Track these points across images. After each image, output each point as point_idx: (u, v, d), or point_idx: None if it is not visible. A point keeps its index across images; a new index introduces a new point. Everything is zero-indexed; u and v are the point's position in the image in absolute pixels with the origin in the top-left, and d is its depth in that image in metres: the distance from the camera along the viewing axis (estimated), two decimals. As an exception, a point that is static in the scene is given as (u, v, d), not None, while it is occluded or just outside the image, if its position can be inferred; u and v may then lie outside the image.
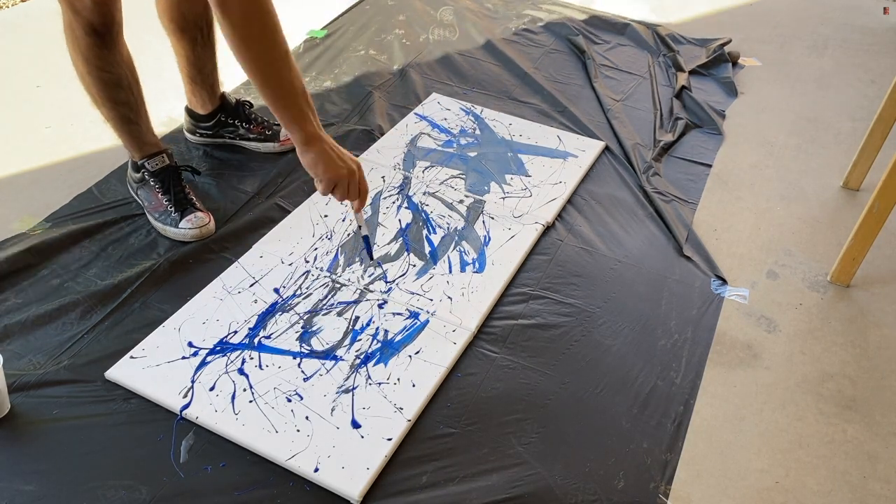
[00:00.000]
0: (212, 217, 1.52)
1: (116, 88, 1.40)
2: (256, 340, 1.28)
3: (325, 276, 1.42)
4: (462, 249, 1.51)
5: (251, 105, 1.79)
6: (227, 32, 1.09)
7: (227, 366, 1.23)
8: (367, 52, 2.21)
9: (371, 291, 1.40)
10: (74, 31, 1.31)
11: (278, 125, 1.78)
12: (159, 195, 1.50)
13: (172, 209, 1.48)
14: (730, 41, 2.37)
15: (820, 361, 1.36)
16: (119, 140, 1.50)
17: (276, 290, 1.38)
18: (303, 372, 1.23)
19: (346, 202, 1.30)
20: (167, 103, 1.95)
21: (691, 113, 2.02)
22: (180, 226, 1.47)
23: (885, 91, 1.66)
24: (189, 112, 1.75)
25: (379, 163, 1.74)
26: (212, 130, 1.76)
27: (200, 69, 1.66)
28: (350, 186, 1.25)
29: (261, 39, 1.11)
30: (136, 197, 1.55)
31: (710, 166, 1.83)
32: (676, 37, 2.39)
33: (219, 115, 1.74)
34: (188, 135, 1.79)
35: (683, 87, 2.09)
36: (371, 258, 1.43)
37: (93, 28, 1.30)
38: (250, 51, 1.11)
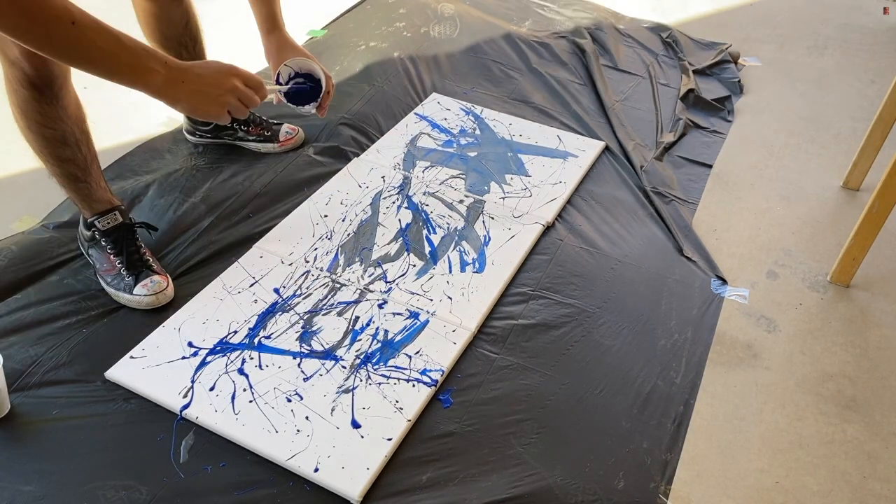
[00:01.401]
0: (169, 280, 1.37)
1: (61, 146, 1.25)
2: (256, 340, 1.28)
3: (325, 276, 1.42)
4: (462, 249, 1.51)
5: None
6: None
7: (227, 366, 1.23)
8: (367, 51, 2.21)
9: (371, 291, 1.40)
10: (11, 83, 1.17)
11: (278, 124, 1.78)
12: (111, 257, 1.35)
13: (126, 272, 1.33)
14: (729, 46, 2.37)
15: (820, 361, 1.36)
16: (71, 199, 1.37)
17: (276, 290, 1.38)
18: (303, 372, 1.23)
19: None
20: (167, 103, 1.94)
21: (699, 114, 2.02)
22: (134, 292, 1.32)
23: (885, 91, 1.66)
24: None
25: (379, 163, 1.74)
26: (211, 133, 1.76)
27: None
28: (242, 100, 1.12)
29: (29, 22, 0.89)
30: (87, 256, 1.41)
31: (710, 166, 1.83)
32: (676, 37, 2.39)
33: None
34: (188, 135, 1.79)
35: (691, 91, 2.08)
36: (302, 105, 1.38)
37: (29, 81, 1.16)
38: (29, 37, 0.91)
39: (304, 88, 1.42)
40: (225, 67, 1.11)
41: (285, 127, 1.79)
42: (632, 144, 1.85)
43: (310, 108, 1.43)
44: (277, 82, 1.42)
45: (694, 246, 1.58)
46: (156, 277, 1.35)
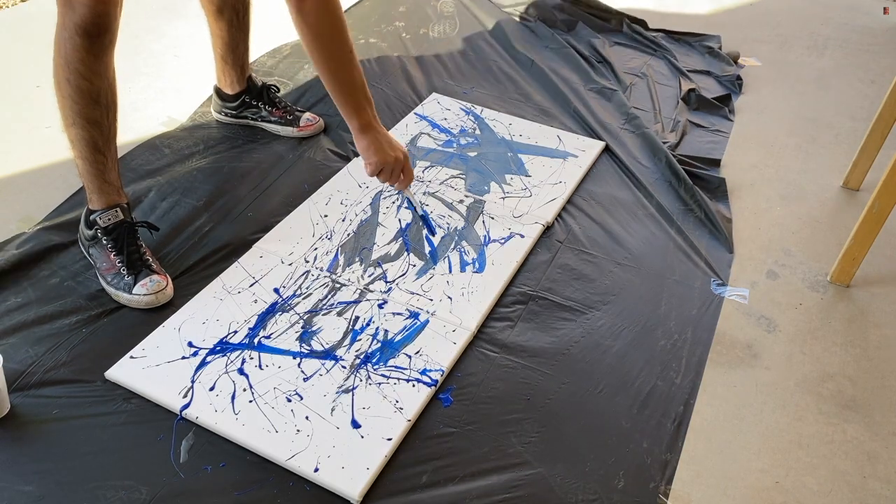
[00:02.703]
0: (169, 280, 1.37)
1: (93, 104, 1.29)
2: (256, 340, 1.28)
3: (325, 276, 1.42)
4: (462, 249, 1.51)
5: (278, 89, 1.87)
6: (304, 32, 1.26)
7: (227, 366, 1.23)
8: (367, 46, 2.21)
9: (371, 291, 1.40)
10: (66, 28, 1.23)
11: (300, 111, 1.85)
12: (112, 255, 1.36)
13: (125, 272, 1.34)
14: (718, 37, 2.37)
15: (820, 361, 1.36)
16: (83, 178, 1.38)
17: (276, 290, 1.38)
18: (303, 372, 1.23)
19: (393, 185, 1.46)
20: (167, 103, 1.95)
21: (701, 114, 2.02)
22: (134, 291, 1.33)
23: (885, 91, 1.66)
24: (217, 92, 1.84)
25: (379, 163, 1.74)
26: (236, 111, 1.84)
27: (233, 50, 1.74)
28: (394, 171, 1.41)
29: (332, 39, 1.27)
30: (87, 256, 1.42)
31: (718, 162, 1.83)
32: (675, 35, 2.39)
33: (243, 97, 1.82)
34: (215, 114, 1.87)
35: (692, 90, 2.08)
36: (432, 233, 1.52)
37: (84, 28, 1.21)
38: (323, 49, 1.27)
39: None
40: (403, 148, 1.43)
41: (307, 115, 1.85)
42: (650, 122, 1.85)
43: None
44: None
45: (695, 245, 1.58)
46: (155, 277, 1.35)
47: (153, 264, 1.37)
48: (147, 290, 1.33)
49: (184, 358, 1.24)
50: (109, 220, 1.37)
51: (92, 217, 1.38)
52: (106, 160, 1.35)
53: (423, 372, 1.24)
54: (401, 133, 1.86)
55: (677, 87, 2.13)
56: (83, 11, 1.20)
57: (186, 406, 1.16)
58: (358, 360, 1.26)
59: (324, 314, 1.34)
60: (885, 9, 2.70)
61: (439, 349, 1.29)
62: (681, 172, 1.73)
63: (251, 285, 1.39)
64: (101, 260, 1.37)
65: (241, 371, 1.23)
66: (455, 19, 2.40)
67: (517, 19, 2.42)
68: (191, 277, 1.41)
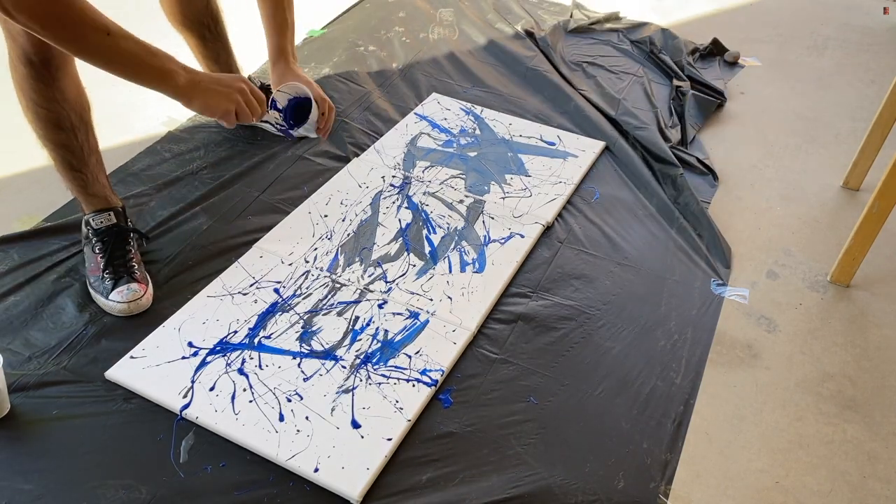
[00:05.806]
0: (148, 289, 1.34)
1: (56, 129, 1.27)
2: (256, 340, 1.28)
3: (325, 276, 1.42)
4: (462, 249, 1.51)
5: None
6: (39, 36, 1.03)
7: (227, 366, 1.23)
8: (367, 51, 2.21)
9: (371, 291, 1.40)
10: (12, 59, 1.20)
11: None
12: (98, 258, 1.34)
13: (107, 276, 1.32)
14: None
15: (820, 361, 1.36)
16: (70, 191, 1.38)
17: (276, 290, 1.38)
18: (303, 372, 1.23)
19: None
20: (167, 103, 1.93)
21: (700, 115, 2.02)
22: (110, 297, 1.30)
23: (885, 91, 1.66)
24: None
25: (379, 163, 1.74)
26: None
27: (216, 60, 1.71)
28: (249, 106, 1.24)
29: (71, 32, 1.02)
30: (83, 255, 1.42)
31: (716, 176, 1.82)
32: (670, 33, 2.39)
33: None
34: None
35: (691, 90, 2.08)
36: (289, 134, 1.45)
37: (27, 58, 1.18)
38: (71, 46, 1.05)
39: (291, 121, 1.44)
40: (236, 75, 1.25)
41: None
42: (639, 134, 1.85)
43: (303, 131, 1.43)
44: (274, 108, 1.42)
45: (695, 245, 1.58)
46: (133, 285, 1.32)
47: (136, 272, 1.35)
48: (122, 297, 1.30)
49: (184, 358, 1.24)
50: (101, 222, 1.36)
51: (86, 217, 1.38)
52: (85, 176, 1.34)
53: (423, 372, 1.24)
54: (401, 133, 1.86)
55: (674, 86, 2.13)
56: (22, 42, 1.17)
57: (186, 406, 1.16)
58: (358, 360, 1.26)
59: (324, 314, 1.34)
60: (885, 9, 2.70)
61: (439, 349, 1.29)
62: (678, 172, 1.73)
63: (251, 285, 1.39)
64: (89, 260, 1.37)
65: (241, 371, 1.23)
66: (455, 27, 2.40)
67: (516, 29, 2.42)
68: (191, 277, 1.41)
